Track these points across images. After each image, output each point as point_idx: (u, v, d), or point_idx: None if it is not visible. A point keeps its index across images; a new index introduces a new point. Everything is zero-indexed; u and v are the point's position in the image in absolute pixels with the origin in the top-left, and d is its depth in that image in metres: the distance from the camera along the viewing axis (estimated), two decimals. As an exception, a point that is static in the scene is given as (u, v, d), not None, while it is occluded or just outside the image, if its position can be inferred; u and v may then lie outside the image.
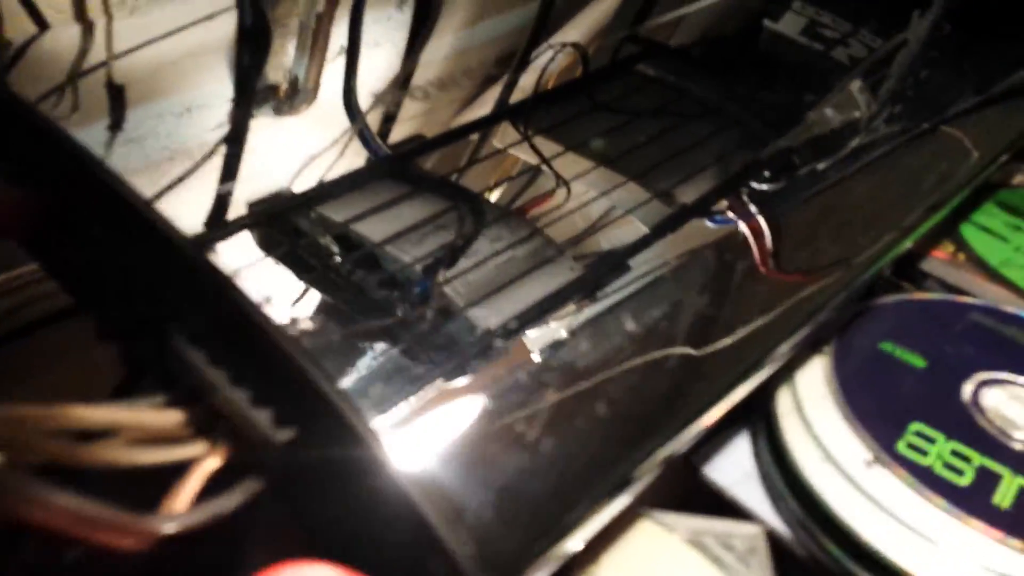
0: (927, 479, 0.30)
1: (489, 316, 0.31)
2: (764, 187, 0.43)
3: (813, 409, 0.33)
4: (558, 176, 0.45)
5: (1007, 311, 0.40)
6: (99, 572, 0.23)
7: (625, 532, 0.28)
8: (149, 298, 0.25)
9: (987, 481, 0.31)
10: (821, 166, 0.48)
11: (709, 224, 0.40)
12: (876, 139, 0.50)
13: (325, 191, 0.37)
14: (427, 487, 0.22)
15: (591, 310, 0.31)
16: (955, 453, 0.32)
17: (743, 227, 0.40)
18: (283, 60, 0.53)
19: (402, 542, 0.21)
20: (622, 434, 0.28)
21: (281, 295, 0.35)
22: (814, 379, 0.35)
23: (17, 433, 0.18)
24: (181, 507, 0.20)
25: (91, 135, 0.37)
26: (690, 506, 0.31)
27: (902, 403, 0.34)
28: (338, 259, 0.35)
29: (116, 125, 0.40)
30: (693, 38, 0.58)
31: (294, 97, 0.57)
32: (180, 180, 0.39)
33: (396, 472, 0.21)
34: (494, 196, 0.48)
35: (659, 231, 0.38)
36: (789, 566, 0.30)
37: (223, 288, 0.23)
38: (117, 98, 0.40)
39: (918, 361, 0.36)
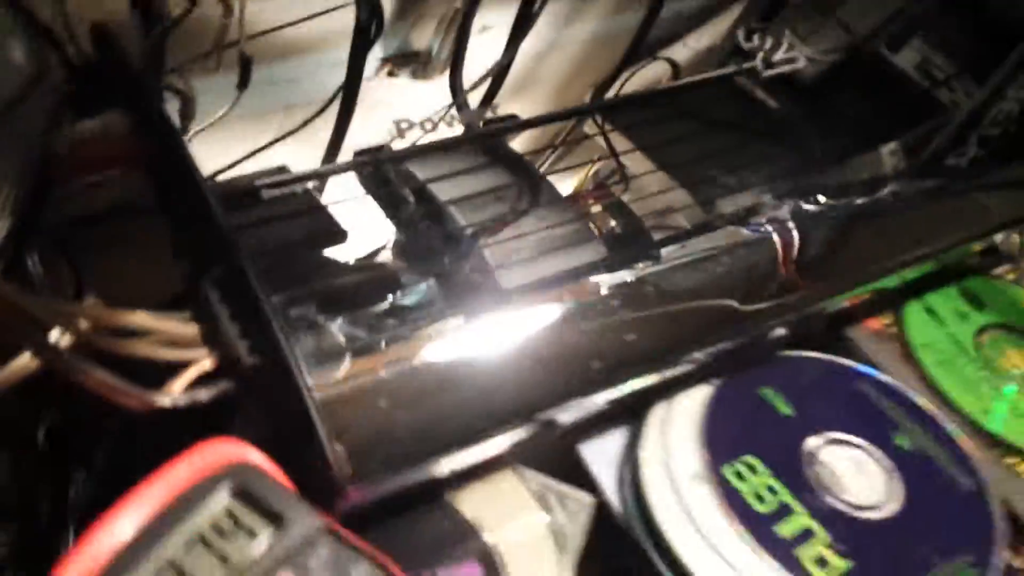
0: (733, 500, 0.40)
1: (512, 279, 0.43)
2: (810, 207, 0.52)
3: (676, 422, 0.43)
4: (623, 171, 0.55)
5: (890, 384, 0.47)
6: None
7: (490, 475, 0.39)
8: (198, 241, 0.37)
9: (782, 513, 0.40)
10: (858, 201, 0.55)
11: (744, 231, 0.49)
12: (905, 192, 0.56)
13: (417, 151, 0.49)
14: (329, 404, 0.33)
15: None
16: (771, 488, 0.41)
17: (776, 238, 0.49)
18: (427, 32, 0.63)
19: (301, 441, 0.33)
20: (505, 399, 0.38)
21: (371, 226, 0.47)
22: (692, 400, 0.44)
23: (83, 325, 0.31)
24: (175, 390, 0.33)
25: (261, 74, 0.51)
26: (568, 478, 0.42)
27: (750, 438, 0.43)
28: (411, 209, 0.47)
29: (282, 70, 0.53)
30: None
31: (428, 65, 0.68)
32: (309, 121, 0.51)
33: (308, 395, 0.32)
34: (564, 180, 0.57)
35: (692, 232, 0.47)
36: (607, 534, 0.40)
37: (231, 249, 0.34)
38: (283, 51, 0.53)
39: (786, 410, 0.45)
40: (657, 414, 0.44)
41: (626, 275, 0.43)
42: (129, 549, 0.26)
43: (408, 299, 0.43)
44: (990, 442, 0.47)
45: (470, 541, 0.37)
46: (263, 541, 0.29)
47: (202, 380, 0.34)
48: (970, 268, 0.57)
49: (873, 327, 0.51)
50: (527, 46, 0.61)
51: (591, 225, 0.49)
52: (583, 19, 0.72)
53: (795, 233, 0.49)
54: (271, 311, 0.33)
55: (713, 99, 0.62)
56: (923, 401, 0.47)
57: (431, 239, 0.46)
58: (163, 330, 0.34)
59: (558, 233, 0.48)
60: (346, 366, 0.35)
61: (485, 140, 0.51)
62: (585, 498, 0.40)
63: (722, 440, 0.42)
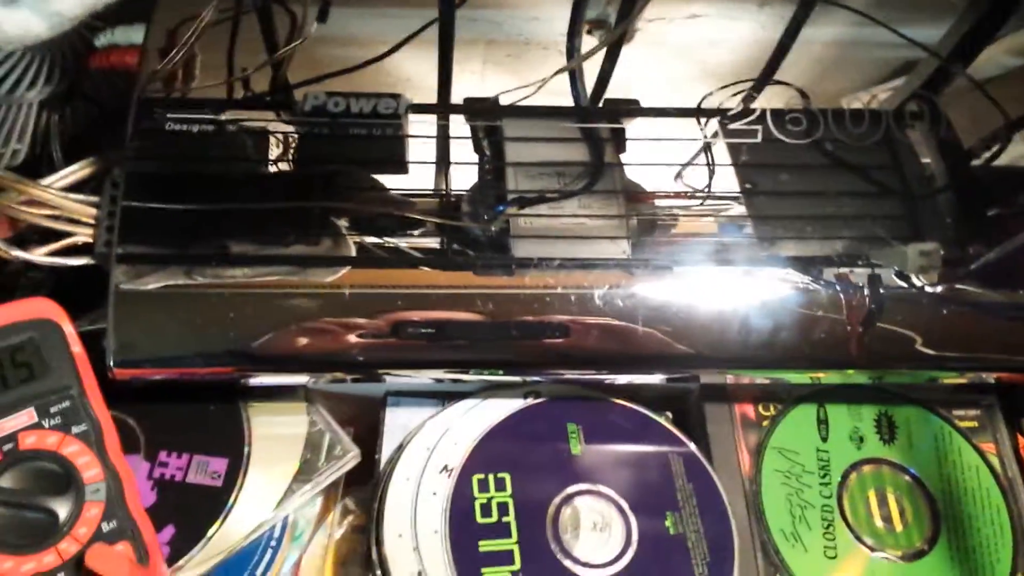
0: (459, 502, 0.48)
1: (526, 250, 0.51)
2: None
3: (471, 416, 0.52)
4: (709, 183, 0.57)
5: (703, 467, 0.51)
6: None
7: (288, 400, 0.50)
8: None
9: (495, 533, 0.47)
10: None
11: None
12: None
13: (515, 110, 0.57)
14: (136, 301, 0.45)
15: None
16: (503, 506, 0.48)
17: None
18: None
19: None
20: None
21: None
22: (500, 405, 0.52)
23: None
24: (39, 252, 0.46)
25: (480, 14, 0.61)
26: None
27: (521, 458, 0.50)
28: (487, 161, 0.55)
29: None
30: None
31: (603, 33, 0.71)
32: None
33: (114, 288, 0.45)
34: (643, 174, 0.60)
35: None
36: (355, 480, 0.50)
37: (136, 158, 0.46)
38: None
39: (576, 449, 0.50)
40: (463, 404, 0.51)
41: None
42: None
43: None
44: (774, 567, 0.49)
45: (232, 444, 0.48)
46: (27, 380, 0.42)
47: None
48: (922, 398, 0.56)
49: (746, 411, 0.53)
50: (759, 38, 0.64)
51: (629, 224, 0.53)
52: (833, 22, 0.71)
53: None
54: (113, 216, 0.45)
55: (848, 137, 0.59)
56: (727, 500, 0.49)
57: (486, 193, 0.55)
58: (63, 206, 0.47)
59: (592, 223, 0.54)
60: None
61: (582, 116, 0.58)
62: (353, 449, 0.49)
63: (495, 449, 0.50)
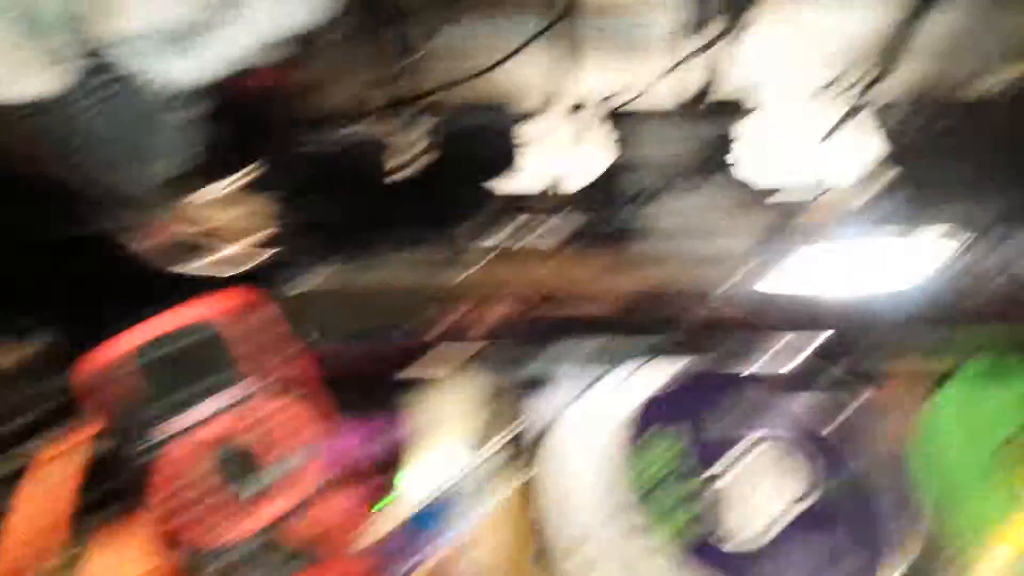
0: (619, 459, 0.51)
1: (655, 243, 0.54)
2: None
3: (624, 389, 0.53)
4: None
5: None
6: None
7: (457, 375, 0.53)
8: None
9: (667, 484, 0.49)
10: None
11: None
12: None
13: (631, 109, 0.60)
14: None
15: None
16: (669, 460, 0.50)
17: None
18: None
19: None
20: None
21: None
22: (655, 377, 0.54)
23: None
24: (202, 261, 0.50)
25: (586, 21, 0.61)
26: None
27: (690, 415, 0.51)
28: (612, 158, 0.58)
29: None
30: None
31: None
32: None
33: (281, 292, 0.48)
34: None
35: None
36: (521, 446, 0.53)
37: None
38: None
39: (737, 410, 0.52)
40: (620, 372, 0.54)
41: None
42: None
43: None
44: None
45: (407, 416, 0.53)
46: (220, 368, 0.46)
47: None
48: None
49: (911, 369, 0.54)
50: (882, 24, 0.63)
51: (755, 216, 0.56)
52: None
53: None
54: (275, 226, 0.49)
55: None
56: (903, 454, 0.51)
57: (612, 188, 0.58)
58: (222, 219, 0.51)
59: (713, 215, 0.57)
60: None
61: (699, 113, 0.60)
62: (516, 417, 0.53)
63: (654, 413, 0.52)
